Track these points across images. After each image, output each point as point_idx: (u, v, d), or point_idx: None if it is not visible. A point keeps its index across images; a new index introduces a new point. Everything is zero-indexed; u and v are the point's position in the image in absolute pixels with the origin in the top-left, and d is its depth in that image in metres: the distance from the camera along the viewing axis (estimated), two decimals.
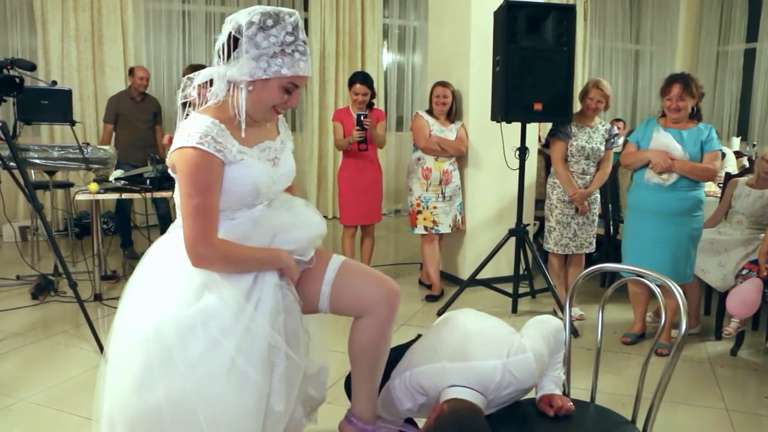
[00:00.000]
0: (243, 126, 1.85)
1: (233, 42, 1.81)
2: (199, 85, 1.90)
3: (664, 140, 3.64)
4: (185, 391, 1.72)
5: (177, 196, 1.91)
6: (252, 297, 1.83)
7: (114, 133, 6.00)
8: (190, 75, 1.92)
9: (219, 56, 1.84)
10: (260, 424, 1.81)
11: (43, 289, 4.64)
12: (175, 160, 1.81)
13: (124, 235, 5.94)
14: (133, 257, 5.74)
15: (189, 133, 1.78)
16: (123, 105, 5.97)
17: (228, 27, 1.83)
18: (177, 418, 1.73)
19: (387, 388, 2.17)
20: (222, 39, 1.84)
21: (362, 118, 4.67)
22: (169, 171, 1.91)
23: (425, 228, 4.85)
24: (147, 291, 1.86)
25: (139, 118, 5.97)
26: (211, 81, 1.88)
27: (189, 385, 1.72)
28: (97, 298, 4.60)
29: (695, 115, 3.69)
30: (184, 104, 1.92)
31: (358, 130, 4.68)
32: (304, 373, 2.04)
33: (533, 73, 4.07)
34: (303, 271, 2.03)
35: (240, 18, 1.81)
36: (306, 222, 2.05)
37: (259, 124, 1.95)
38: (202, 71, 1.91)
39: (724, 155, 3.70)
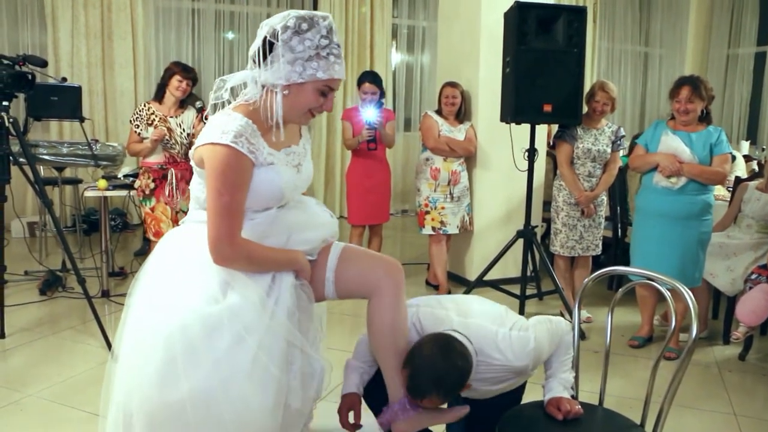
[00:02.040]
0: (281, 130, 1.85)
1: (268, 46, 1.81)
2: (231, 88, 1.92)
3: (673, 143, 3.62)
4: (210, 387, 1.74)
5: (194, 188, 1.93)
6: (271, 297, 1.86)
7: None
8: (224, 77, 1.93)
9: (254, 61, 1.85)
10: (279, 421, 1.83)
11: (51, 284, 4.66)
12: (204, 155, 1.81)
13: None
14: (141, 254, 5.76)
15: (223, 130, 1.78)
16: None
17: (263, 31, 1.83)
18: (200, 414, 1.74)
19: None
20: (257, 43, 1.84)
21: (371, 125, 4.67)
22: (193, 165, 1.90)
23: (433, 228, 4.85)
24: (166, 286, 1.86)
25: None
26: (245, 84, 1.89)
27: (214, 382, 1.74)
28: (105, 294, 4.61)
29: (705, 118, 3.67)
30: (215, 105, 1.93)
31: (368, 128, 4.68)
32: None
33: (543, 75, 4.05)
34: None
35: (275, 22, 1.82)
36: (319, 222, 2.08)
37: (286, 127, 1.94)
38: (236, 74, 1.92)
39: (734, 158, 3.67)
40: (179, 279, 1.86)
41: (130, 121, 4.44)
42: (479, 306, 2.21)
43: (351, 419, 2.23)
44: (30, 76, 3.49)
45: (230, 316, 1.77)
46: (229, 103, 1.91)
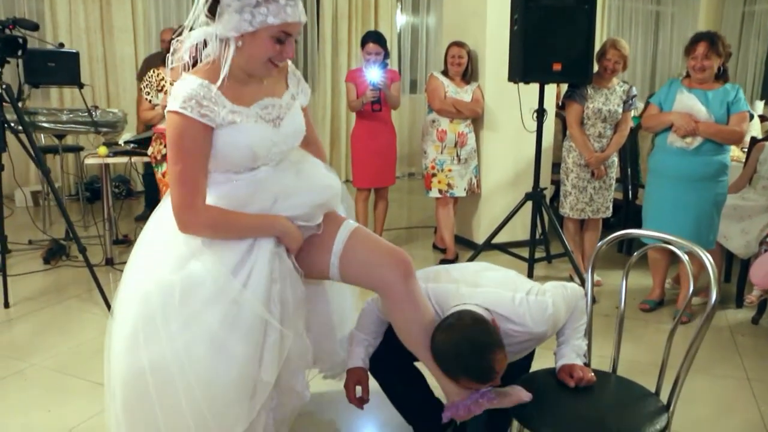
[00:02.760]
0: (218, 82, 1.74)
1: None
2: (191, 48, 1.81)
3: (689, 102, 3.50)
4: (165, 359, 1.71)
5: None
6: (245, 266, 1.79)
7: None
8: (180, 38, 1.83)
9: (206, 15, 1.76)
10: (247, 394, 1.79)
11: (54, 253, 4.62)
12: (165, 124, 1.77)
13: (150, 197, 5.79)
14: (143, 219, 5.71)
15: (174, 96, 1.72)
16: (153, 65, 5.83)
17: None
18: (158, 384, 1.72)
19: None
20: None
21: (375, 85, 4.58)
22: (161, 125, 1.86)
23: (440, 191, 4.77)
24: (143, 255, 1.86)
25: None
26: (205, 42, 1.79)
27: (168, 354, 1.71)
28: (109, 262, 4.57)
29: (721, 76, 3.54)
30: (174, 69, 1.83)
31: (372, 89, 4.57)
32: (311, 347, 2.01)
33: (552, 32, 3.91)
34: (311, 236, 1.96)
35: None
36: (312, 186, 1.96)
37: (256, 80, 1.85)
38: (193, 32, 1.81)
39: (752, 117, 3.54)
40: (153, 248, 1.85)
41: (140, 89, 4.34)
42: (490, 273, 2.14)
43: (358, 393, 2.18)
44: (21, 40, 3.39)
45: (185, 286, 1.73)
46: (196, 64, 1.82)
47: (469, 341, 1.77)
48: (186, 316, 1.72)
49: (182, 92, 1.71)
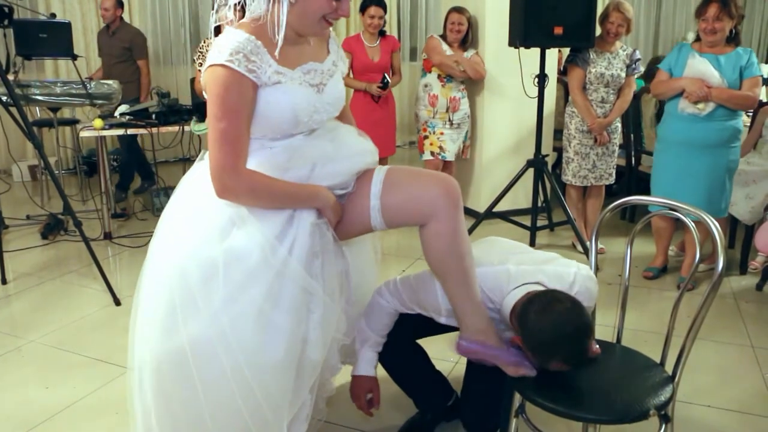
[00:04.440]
0: (279, 43, 1.64)
1: None
2: (234, 6, 1.70)
3: (701, 66, 3.40)
4: (208, 337, 1.62)
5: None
6: (286, 238, 1.68)
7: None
8: None
9: None
10: (293, 372, 1.71)
11: (52, 228, 4.58)
12: (205, 79, 1.64)
13: (142, 169, 5.80)
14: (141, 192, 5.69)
15: (220, 49, 1.60)
16: (99, 38, 5.73)
17: None
18: (200, 363, 1.64)
19: (426, 279, 1.98)
20: None
21: (386, 80, 4.55)
22: (204, 94, 1.73)
23: (432, 153, 4.73)
24: (174, 229, 1.75)
25: (108, 53, 5.62)
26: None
27: (212, 332, 1.62)
28: (107, 236, 4.54)
29: (733, 39, 3.44)
30: (217, 29, 1.73)
31: (379, 86, 4.55)
32: (346, 320, 1.92)
33: None
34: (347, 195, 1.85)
35: None
36: (351, 152, 1.85)
37: (303, 42, 1.75)
38: None
39: (765, 81, 3.45)
40: (185, 220, 1.74)
41: (193, 60, 4.27)
42: (536, 254, 2.05)
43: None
44: (7, 9, 3.30)
45: (228, 259, 1.62)
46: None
47: (574, 326, 1.65)
48: (230, 291, 1.62)
49: (229, 45, 1.60)
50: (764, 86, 6.02)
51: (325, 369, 1.95)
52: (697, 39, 3.51)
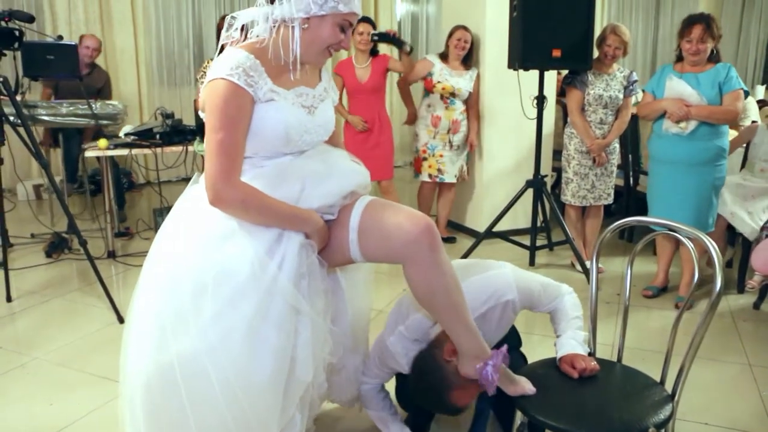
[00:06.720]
0: (298, 66, 1.74)
1: None
2: (242, 27, 1.79)
3: (678, 87, 3.49)
4: (198, 353, 1.63)
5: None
6: (275, 256, 1.71)
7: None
8: (234, 14, 1.80)
9: None
10: (281, 389, 1.72)
11: (56, 247, 4.62)
12: (205, 94, 1.71)
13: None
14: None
15: (220, 65, 1.68)
16: None
17: None
18: (189, 378, 1.65)
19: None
20: None
21: (393, 36, 4.52)
22: (200, 113, 1.78)
23: (429, 176, 4.80)
24: (166, 245, 1.79)
25: (77, 93, 5.19)
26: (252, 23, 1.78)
27: (201, 347, 1.63)
28: (111, 255, 4.57)
29: (713, 58, 3.51)
30: (222, 47, 1.80)
31: (396, 42, 4.51)
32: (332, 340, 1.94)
33: (552, 18, 3.91)
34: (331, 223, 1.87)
35: None
36: (342, 171, 1.88)
37: (302, 69, 1.82)
38: (246, 10, 1.79)
39: (747, 94, 3.51)
40: (175, 236, 1.78)
41: (196, 79, 4.31)
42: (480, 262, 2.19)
43: None
44: (17, 33, 3.37)
45: (217, 275, 1.65)
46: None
47: (424, 391, 1.92)
48: (220, 306, 1.64)
49: (229, 61, 1.67)
50: (761, 108, 6.12)
51: (313, 387, 1.96)
52: (679, 59, 3.59)
